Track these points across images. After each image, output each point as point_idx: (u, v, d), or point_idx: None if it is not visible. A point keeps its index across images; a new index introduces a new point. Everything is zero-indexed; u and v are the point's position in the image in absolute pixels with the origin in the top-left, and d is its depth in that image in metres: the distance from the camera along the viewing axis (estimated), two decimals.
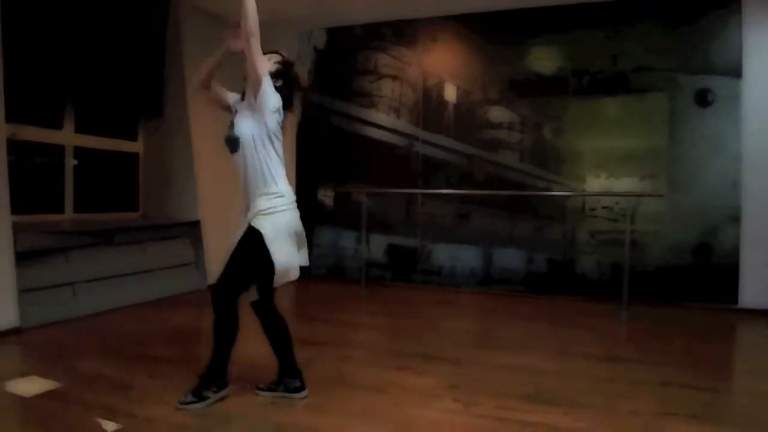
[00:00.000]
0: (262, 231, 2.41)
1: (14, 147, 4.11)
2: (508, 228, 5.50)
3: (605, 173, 5.15)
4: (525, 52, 5.40)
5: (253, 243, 2.43)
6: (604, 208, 5.14)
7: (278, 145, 2.54)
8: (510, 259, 5.50)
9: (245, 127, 2.49)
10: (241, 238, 2.49)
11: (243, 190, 2.57)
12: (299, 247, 2.58)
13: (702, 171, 4.88)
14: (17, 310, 3.77)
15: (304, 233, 2.62)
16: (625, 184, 5.08)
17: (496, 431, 2.35)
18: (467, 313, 4.82)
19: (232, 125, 2.55)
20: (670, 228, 4.95)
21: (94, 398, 2.64)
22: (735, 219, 4.76)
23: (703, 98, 4.87)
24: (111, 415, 2.44)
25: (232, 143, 2.51)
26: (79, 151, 5.00)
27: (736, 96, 4.76)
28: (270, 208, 2.45)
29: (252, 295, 2.59)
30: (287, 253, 2.47)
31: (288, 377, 2.66)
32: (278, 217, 2.46)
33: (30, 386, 2.79)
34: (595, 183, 5.19)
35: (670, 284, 4.94)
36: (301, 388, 2.66)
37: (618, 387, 2.86)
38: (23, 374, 3.00)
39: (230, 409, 2.54)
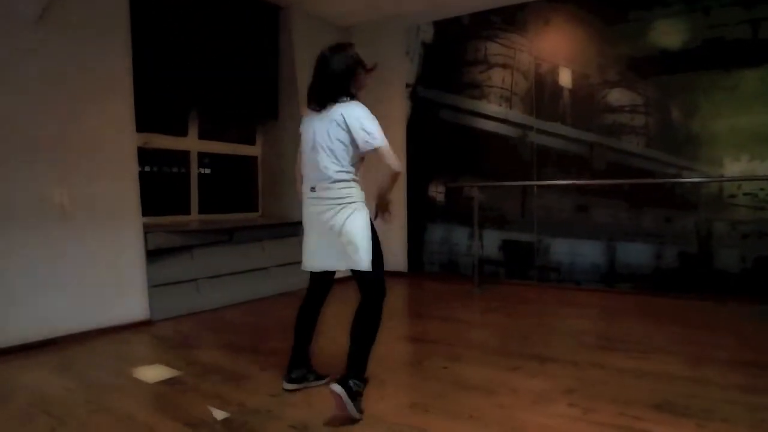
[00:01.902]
0: None
1: (145, 154, 4.47)
2: (633, 220, 5.08)
3: (747, 155, 4.56)
4: (645, 27, 4.94)
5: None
6: (746, 195, 4.57)
7: None
8: (636, 253, 5.06)
9: None
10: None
11: None
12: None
13: None
14: (148, 303, 4.13)
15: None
16: None
17: None
18: (588, 313, 4.48)
19: None
20: None
21: (209, 387, 2.80)
22: None
23: None
24: (222, 404, 2.56)
25: None
26: (202, 156, 5.34)
27: None
28: None
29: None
30: None
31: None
32: None
33: (154, 373, 3.06)
34: (735, 167, 4.62)
35: None
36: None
37: (764, 399, 2.50)
38: (150, 362, 3.30)
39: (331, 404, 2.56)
